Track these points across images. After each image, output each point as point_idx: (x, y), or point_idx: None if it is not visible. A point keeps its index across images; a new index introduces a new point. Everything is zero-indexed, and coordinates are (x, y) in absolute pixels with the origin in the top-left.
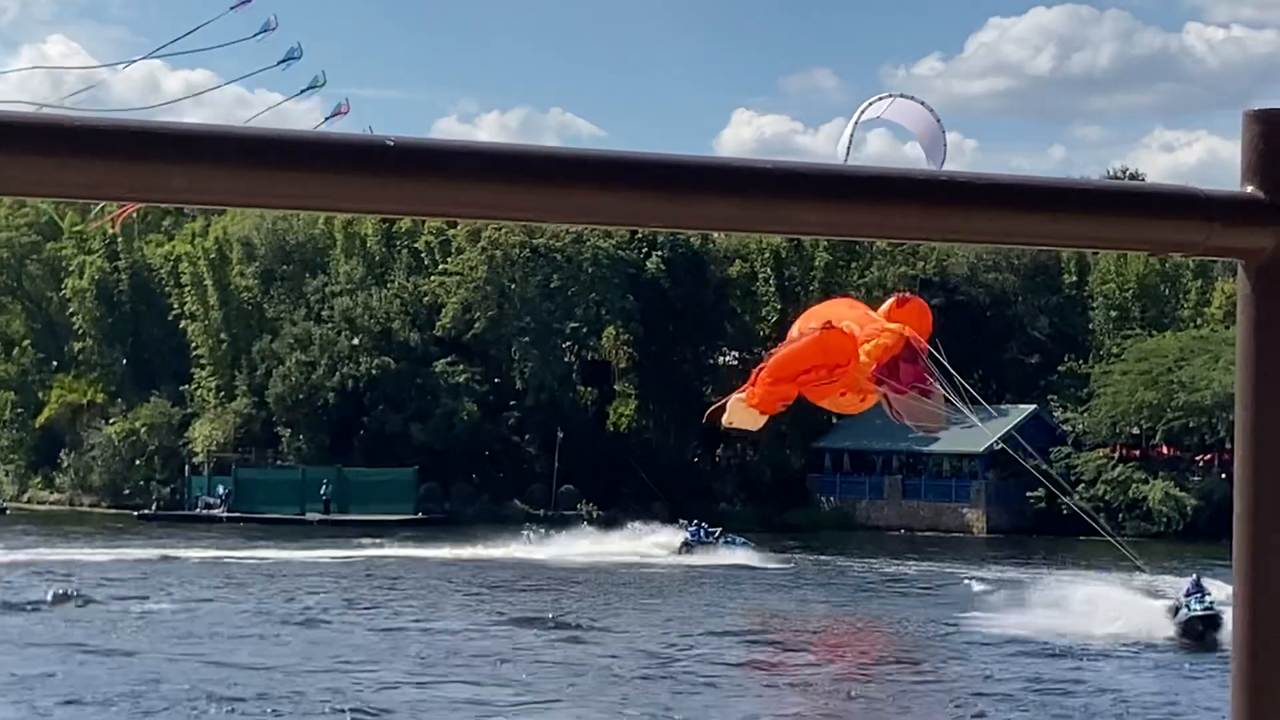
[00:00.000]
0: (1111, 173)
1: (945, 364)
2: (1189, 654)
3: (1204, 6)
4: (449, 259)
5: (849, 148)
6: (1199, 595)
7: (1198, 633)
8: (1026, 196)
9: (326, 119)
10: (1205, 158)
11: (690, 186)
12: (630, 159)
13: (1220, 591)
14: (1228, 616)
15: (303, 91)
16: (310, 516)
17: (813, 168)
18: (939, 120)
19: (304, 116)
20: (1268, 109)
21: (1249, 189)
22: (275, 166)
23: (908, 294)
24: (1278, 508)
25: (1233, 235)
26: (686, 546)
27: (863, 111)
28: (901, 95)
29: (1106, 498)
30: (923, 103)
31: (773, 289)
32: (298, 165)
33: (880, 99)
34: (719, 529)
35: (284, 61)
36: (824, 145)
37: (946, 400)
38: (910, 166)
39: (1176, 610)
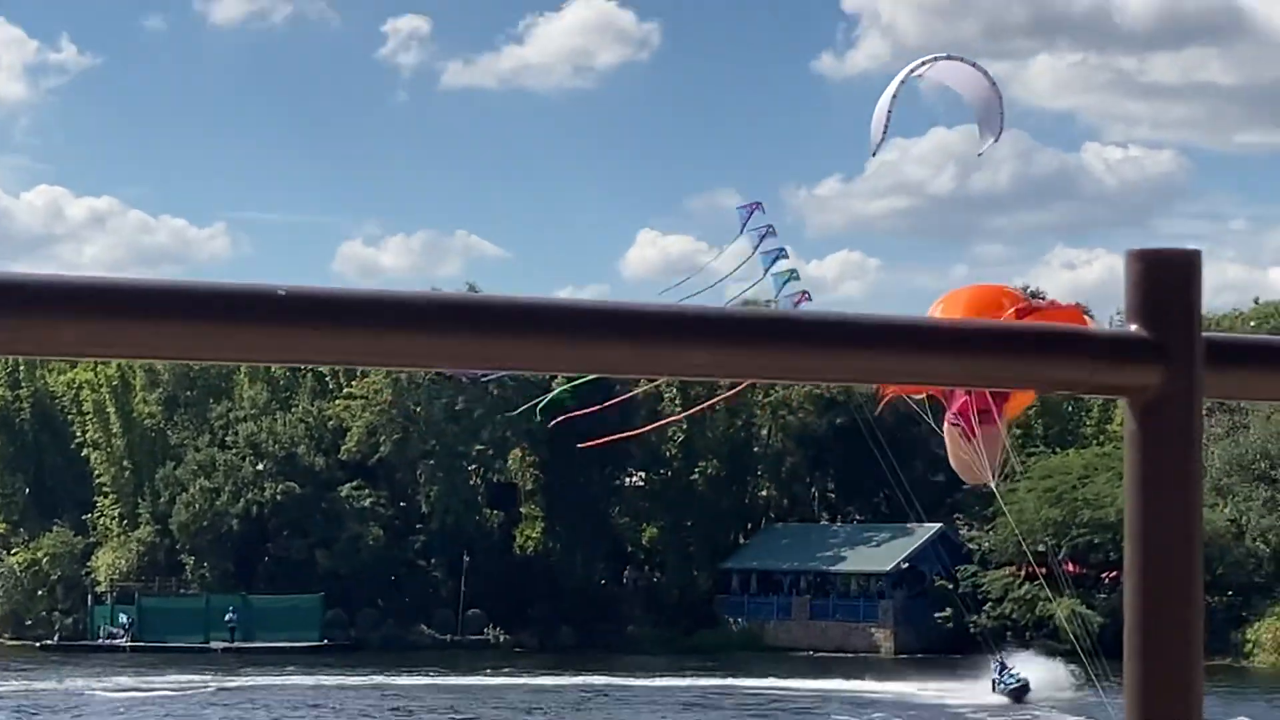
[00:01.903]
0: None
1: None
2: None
3: (1101, 126)
4: (353, 383)
5: (887, 122)
6: (1005, 670)
7: (1017, 696)
8: (913, 337)
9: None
10: (1105, 275)
11: (582, 331)
12: (523, 305)
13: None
14: (1033, 681)
15: (782, 286)
16: (215, 645)
17: (702, 311)
18: (994, 83)
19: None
20: (1149, 249)
21: (1133, 327)
22: (167, 318)
23: (1045, 303)
24: (1167, 644)
25: (1117, 374)
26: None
27: (905, 77)
28: (949, 56)
29: (1014, 616)
30: (974, 64)
31: (679, 408)
32: (190, 316)
33: (925, 62)
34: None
35: (772, 261)
36: (728, 265)
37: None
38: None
39: (994, 685)
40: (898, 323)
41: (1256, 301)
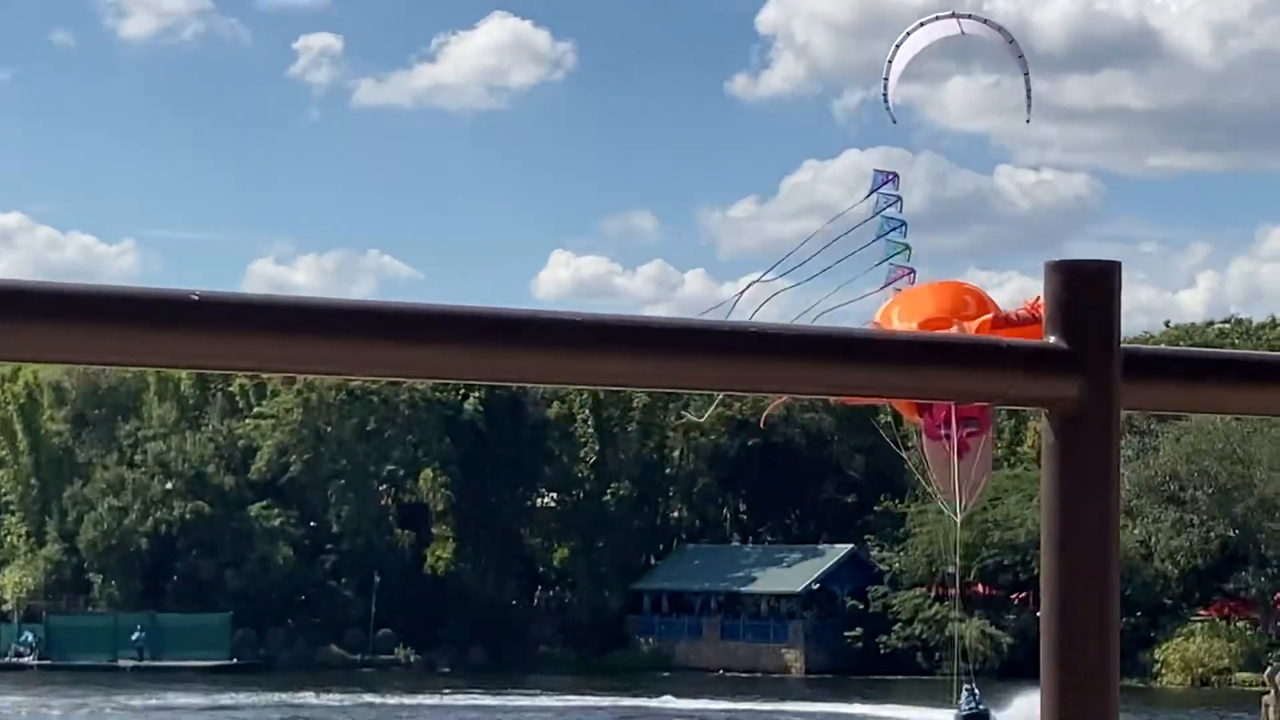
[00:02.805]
0: None
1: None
2: None
3: (1014, 149)
4: (263, 402)
5: (887, 79)
6: (971, 699)
7: None
8: (831, 348)
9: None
10: (1017, 297)
11: (499, 340)
12: (439, 312)
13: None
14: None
15: (891, 256)
16: (123, 663)
17: (620, 319)
18: (1012, 40)
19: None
20: (1067, 260)
21: (1052, 339)
22: (79, 321)
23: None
24: (1083, 650)
25: (1036, 385)
26: None
27: (904, 37)
28: (956, 15)
29: (924, 636)
30: (985, 20)
31: (591, 430)
32: (101, 319)
33: (928, 21)
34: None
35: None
36: (641, 286)
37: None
38: (719, 319)
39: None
40: (817, 334)
41: (1168, 324)
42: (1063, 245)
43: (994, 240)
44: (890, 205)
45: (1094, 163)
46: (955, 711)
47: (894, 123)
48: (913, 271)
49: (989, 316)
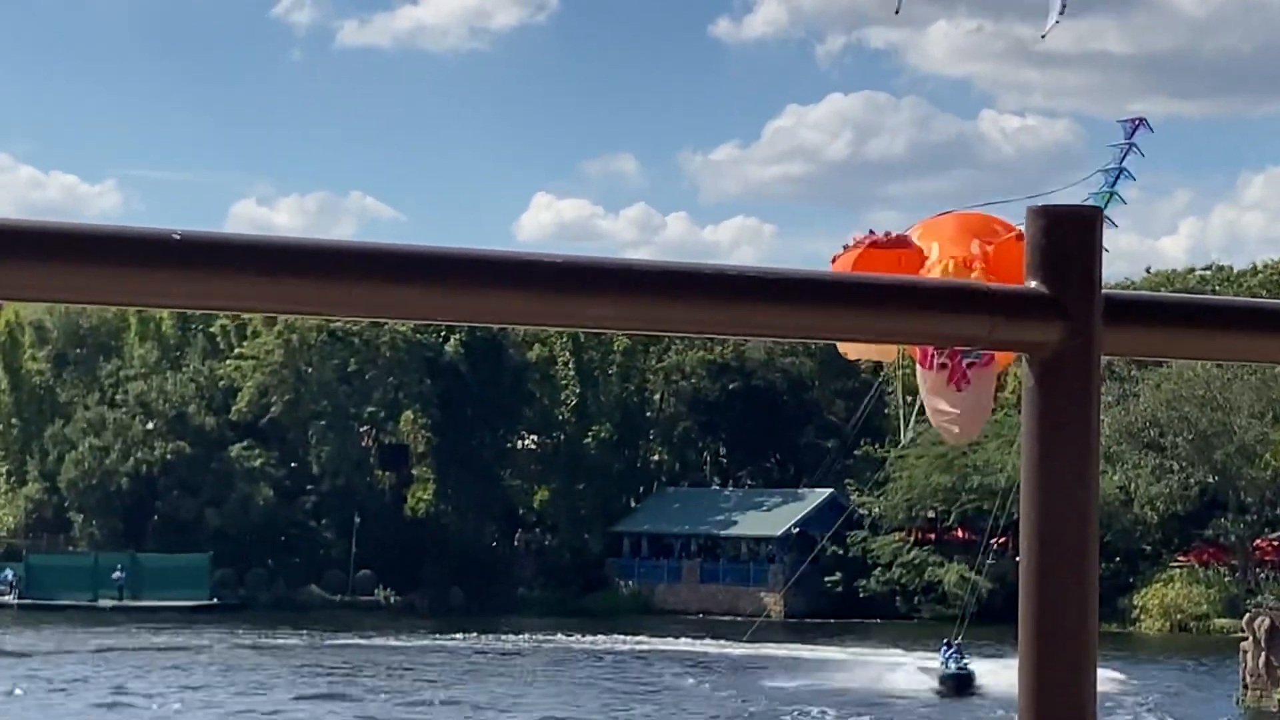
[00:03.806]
0: None
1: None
2: (946, 704)
3: (997, 94)
4: (245, 343)
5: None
6: (955, 656)
7: (952, 687)
8: (809, 291)
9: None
10: None
11: (480, 280)
12: (419, 253)
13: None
14: (979, 675)
15: (1103, 202)
16: (103, 603)
17: (603, 261)
18: None
19: None
20: (1050, 205)
21: (1033, 283)
22: (58, 260)
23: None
24: (1062, 594)
25: (1017, 329)
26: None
27: None
28: None
29: (903, 581)
30: None
31: (572, 373)
32: (82, 259)
33: None
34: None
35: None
36: (624, 229)
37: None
38: (698, 260)
39: (937, 669)
40: (799, 277)
41: (1148, 270)
42: (1046, 189)
43: (978, 185)
44: (1127, 154)
45: (1076, 108)
46: (938, 669)
47: (897, 13)
48: (1111, 222)
49: (1014, 233)
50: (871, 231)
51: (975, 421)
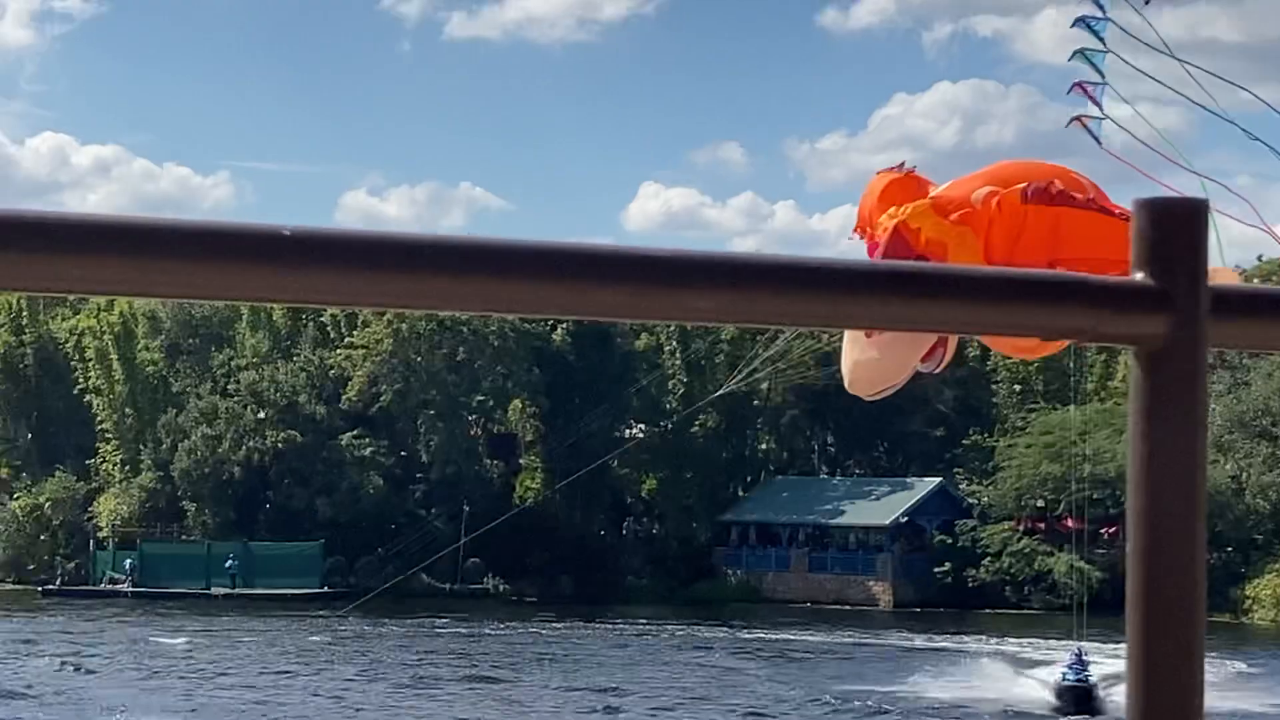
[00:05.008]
0: None
1: None
2: None
3: (1110, 83)
4: (355, 332)
5: None
6: (1076, 666)
7: (1069, 701)
8: (917, 283)
9: None
10: None
11: (585, 274)
12: (525, 248)
13: (1098, 668)
14: (1101, 689)
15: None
16: (216, 591)
17: (706, 255)
18: None
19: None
20: (1156, 197)
21: (1139, 276)
22: (173, 256)
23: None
24: (1167, 595)
25: (1123, 322)
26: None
27: None
28: None
29: (1012, 570)
30: None
31: (679, 362)
32: (194, 255)
33: None
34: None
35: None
36: (731, 218)
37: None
38: (805, 250)
39: (1055, 682)
40: (898, 269)
41: (1260, 259)
42: (1155, 179)
43: (1087, 173)
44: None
45: (1186, 96)
46: (1058, 676)
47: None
48: (1104, 83)
49: (1092, 196)
50: (903, 164)
51: (874, 378)
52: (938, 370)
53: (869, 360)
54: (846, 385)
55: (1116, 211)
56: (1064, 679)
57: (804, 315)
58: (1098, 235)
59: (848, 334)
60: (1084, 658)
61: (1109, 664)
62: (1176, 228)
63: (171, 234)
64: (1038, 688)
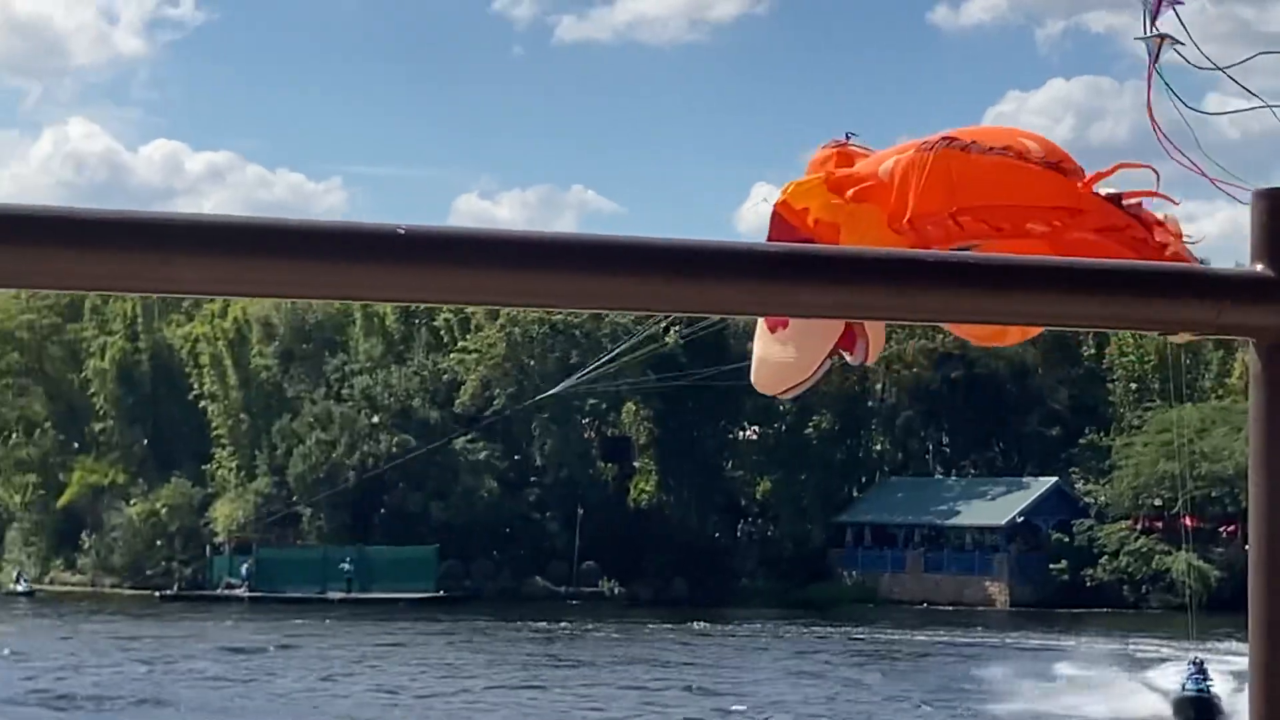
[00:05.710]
0: None
1: None
2: None
3: (1220, 77)
4: (468, 336)
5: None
6: (1197, 677)
7: (1188, 714)
8: (1036, 277)
9: None
10: (1226, 228)
11: (697, 271)
12: (636, 245)
13: (1222, 679)
14: (1226, 699)
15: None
16: (332, 595)
17: (818, 250)
18: None
19: None
20: (1276, 187)
21: (1259, 267)
22: (287, 256)
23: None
24: None
25: (1243, 314)
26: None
27: None
28: None
29: (1129, 570)
30: None
31: None
32: (309, 255)
33: None
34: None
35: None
36: None
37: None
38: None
39: (1175, 692)
40: (1017, 263)
41: None
42: (1272, 175)
43: (1198, 167)
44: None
45: None
46: (1177, 686)
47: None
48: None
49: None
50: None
51: (785, 375)
52: (866, 361)
53: (780, 355)
54: (754, 384)
55: (1081, 180)
56: (1183, 689)
57: (916, 310)
58: (1008, 182)
59: (757, 329)
60: (1204, 666)
61: (1232, 665)
62: None
63: (287, 234)
64: (1156, 699)
